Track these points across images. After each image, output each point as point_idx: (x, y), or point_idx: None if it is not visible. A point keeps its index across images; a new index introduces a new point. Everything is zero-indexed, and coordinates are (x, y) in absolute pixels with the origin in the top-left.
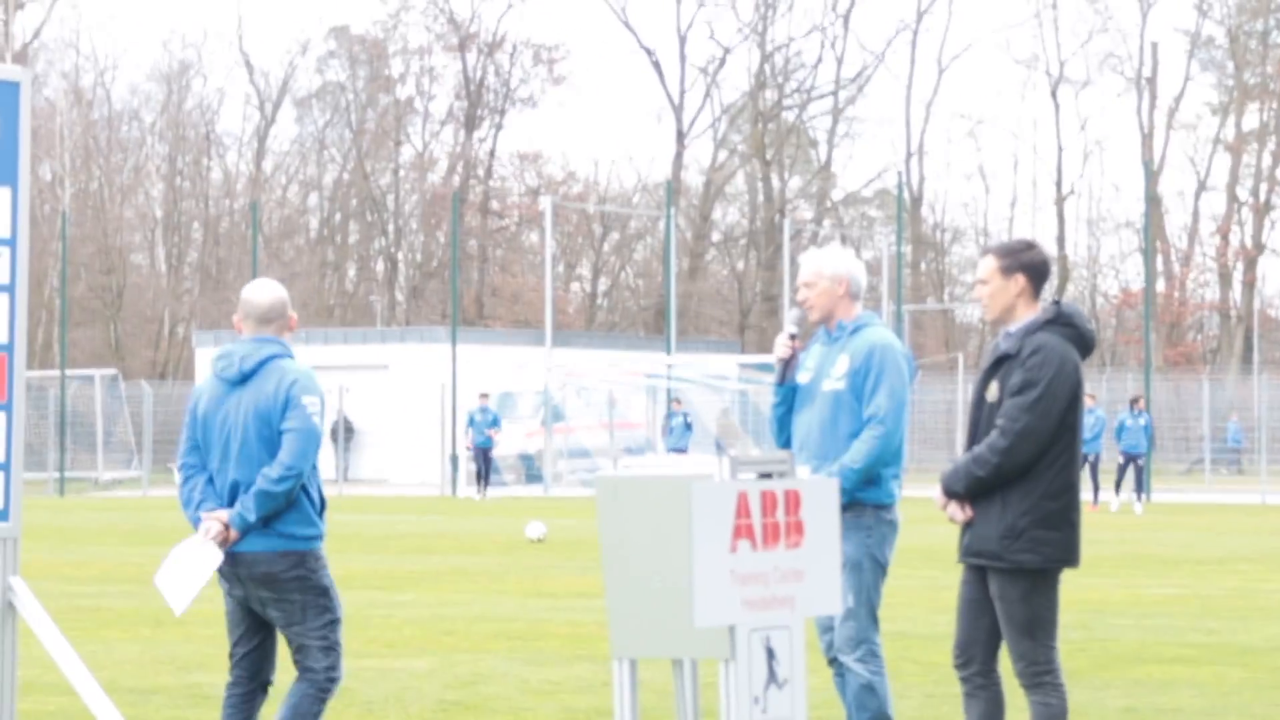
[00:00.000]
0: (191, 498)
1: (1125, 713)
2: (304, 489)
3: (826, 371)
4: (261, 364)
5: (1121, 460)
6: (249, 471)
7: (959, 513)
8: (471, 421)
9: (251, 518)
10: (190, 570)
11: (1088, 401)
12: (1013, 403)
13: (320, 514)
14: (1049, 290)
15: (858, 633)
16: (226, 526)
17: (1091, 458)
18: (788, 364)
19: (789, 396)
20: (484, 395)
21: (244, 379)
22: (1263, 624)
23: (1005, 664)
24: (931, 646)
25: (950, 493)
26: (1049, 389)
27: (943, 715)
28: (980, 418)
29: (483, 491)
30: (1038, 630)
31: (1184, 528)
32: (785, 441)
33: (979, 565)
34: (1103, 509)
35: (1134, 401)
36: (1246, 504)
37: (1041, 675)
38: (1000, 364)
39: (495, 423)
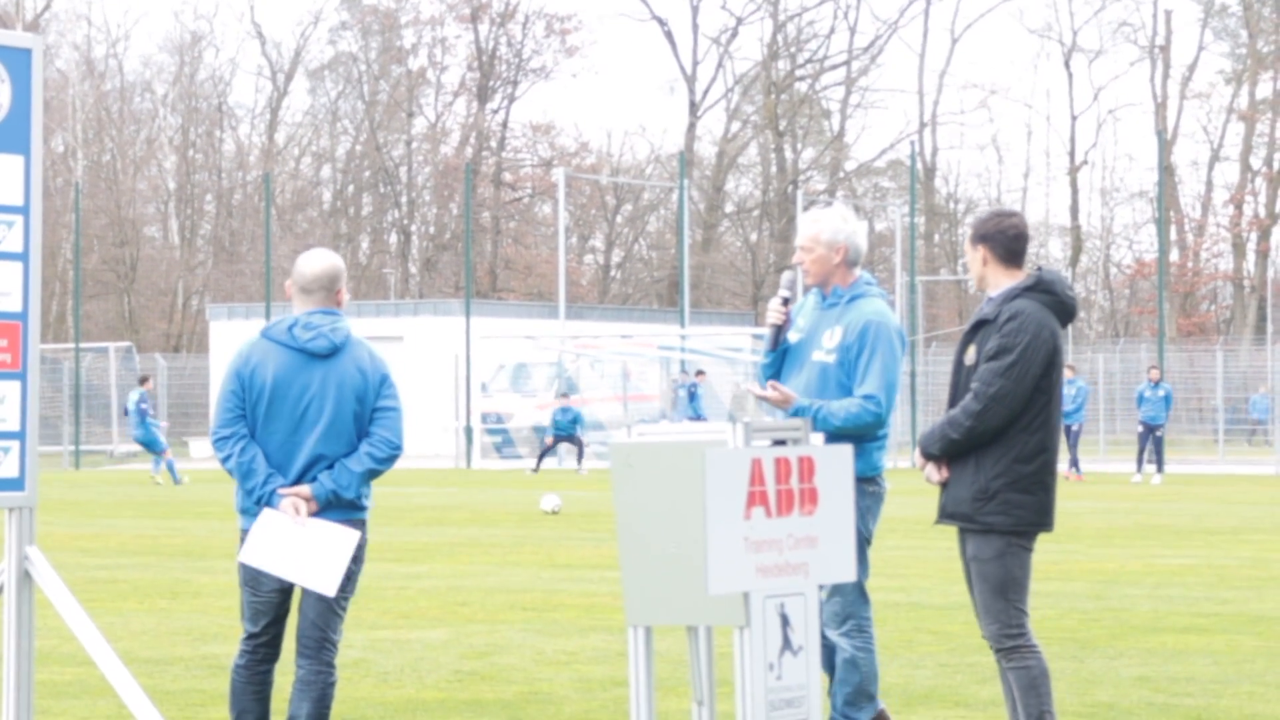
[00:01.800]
0: (253, 467)
1: (1139, 682)
2: None
3: (818, 340)
4: (349, 339)
5: (1141, 430)
6: (337, 446)
7: (935, 474)
8: (555, 423)
9: (350, 494)
10: (330, 552)
11: (1067, 373)
12: (987, 367)
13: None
14: (1060, 261)
15: (844, 608)
16: (309, 499)
17: (1075, 427)
18: (780, 329)
19: (779, 360)
20: (564, 395)
21: (334, 351)
22: (1276, 593)
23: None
24: (946, 617)
25: (927, 454)
26: (1023, 354)
27: (957, 685)
28: (959, 381)
29: (542, 464)
30: (1010, 591)
31: (1198, 498)
32: None
33: (954, 527)
34: (1114, 480)
35: (1151, 371)
36: (1261, 475)
37: (1015, 638)
38: (979, 328)
39: (577, 421)
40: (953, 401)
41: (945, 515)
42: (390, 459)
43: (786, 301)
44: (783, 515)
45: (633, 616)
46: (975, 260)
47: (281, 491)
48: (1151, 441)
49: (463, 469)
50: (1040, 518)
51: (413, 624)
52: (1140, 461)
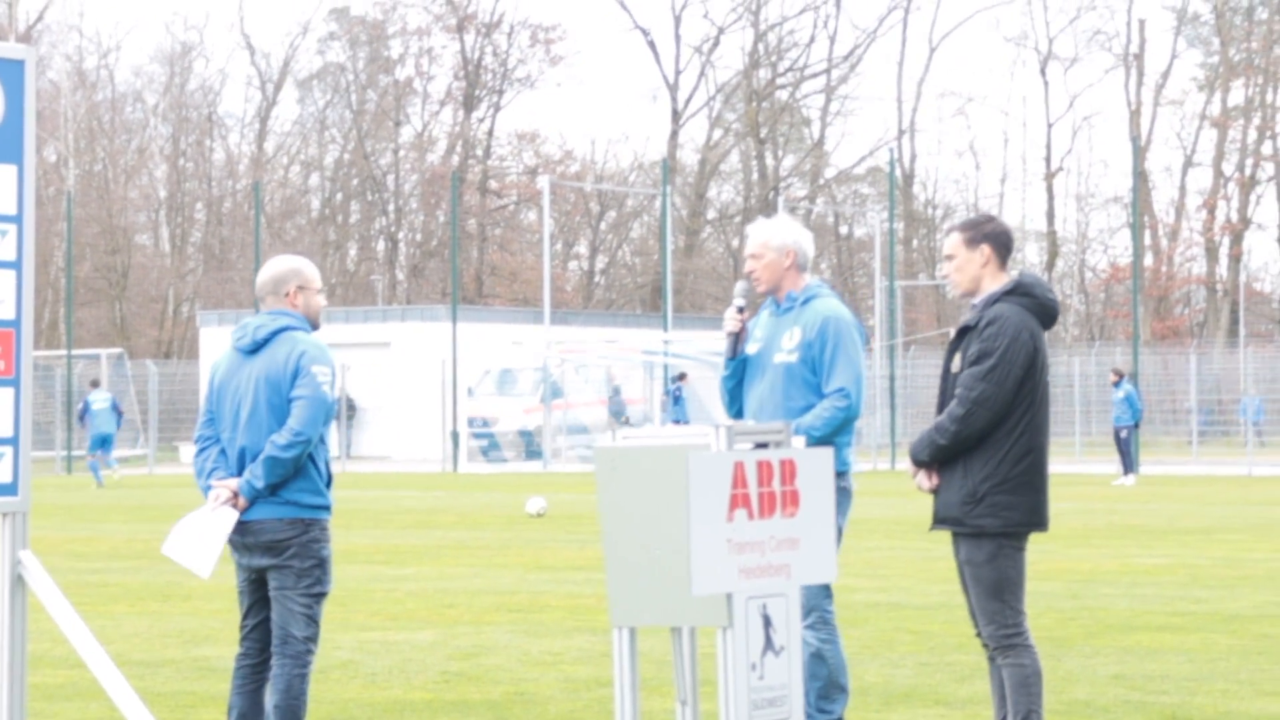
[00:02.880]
0: (204, 468)
1: (1115, 680)
2: (311, 459)
3: (777, 343)
4: (274, 334)
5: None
6: (258, 439)
7: (925, 481)
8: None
9: (260, 484)
10: (207, 534)
11: (1111, 376)
12: (969, 372)
13: (327, 486)
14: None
15: (808, 601)
16: (236, 494)
17: (1124, 433)
18: (738, 337)
19: (739, 369)
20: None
21: (256, 348)
22: (1250, 592)
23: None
24: (925, 616)
25: (917, 461)
26: (1004, 358)
27: (937, 684)
28: (946, 388)
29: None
30: (1005, 592)
31: (1173, 499)
32: (736, 414)
33: (947, 531)
34: (1103, 483)
35: (1110, 373)
36: (1234, 475)
37: (1011, 637)
38: (963, 335)
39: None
40: (941, 408)
41: (938, 520)
42: (291, 446)
43: (742, 310)
44: (765, 517)
45: (617, 618)
46: (974, 262)
47: (213, 483)
48: (1117, 443)
49: (450, 473)
50: (1031, 518)
51: (400, 625)
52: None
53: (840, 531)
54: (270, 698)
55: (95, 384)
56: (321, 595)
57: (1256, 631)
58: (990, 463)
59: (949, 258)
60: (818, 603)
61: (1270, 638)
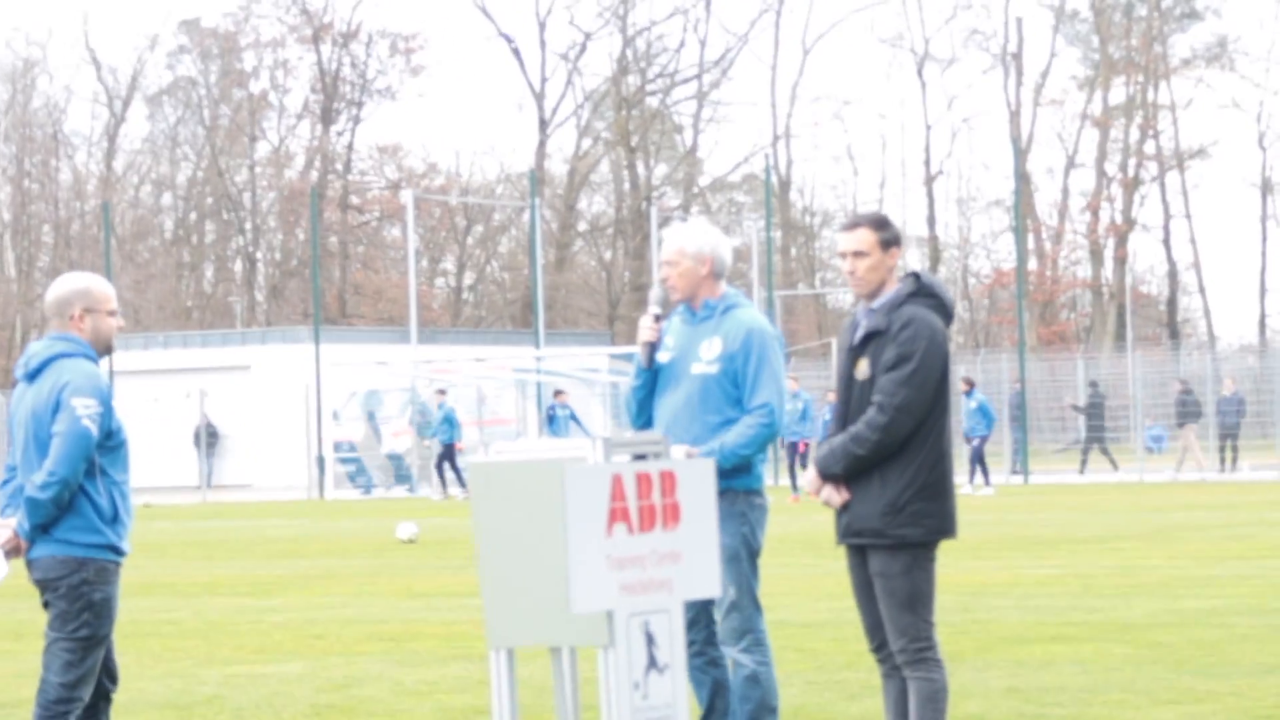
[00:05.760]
0: (3, 502)
1: (1008, 693)
2: (87, 495)
3: (695, 353)
4: (46, 363)
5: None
6: (30, 473)
7: (835, 496)
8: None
9: (26, 525)
10: None
11: (790, 385)
12: (889, 378)
13: (111, 523)
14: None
15: (742, 623)
16: (15, 534)
17: (800, 445)
18: (654, 346)
19: (651, 379)
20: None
21: (30, 378)
22: (1144, 600)
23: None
24: (812, 634)
25: (828, 475)
26: (923, 361)
27: (825, 702)
28: (851, 398)
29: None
30: (919, 604)
31: (1063, 507)
32: (644, 424)
33: (860, 545)
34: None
35: (960, 381)
36: (1124, 482)
37: (923, 651)
38: (869, 341)
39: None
40: (844, 420)
41: (850, 534)
42: (47, 486)
43: (659, 318)
44: (645, 531)
45: (494, 639)
46: (885, 264)
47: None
48: (971, 454)
49: (316, 500)
50: (945, 524)
51: (268, 658)
52: (971, 474)
53: (759, 549)
54: None
55: None
56: (89, 641)
57: (1151, 640)
58: (909, 470)
59: (859, 255)
60: (751, 625)
61: (1165, 646)
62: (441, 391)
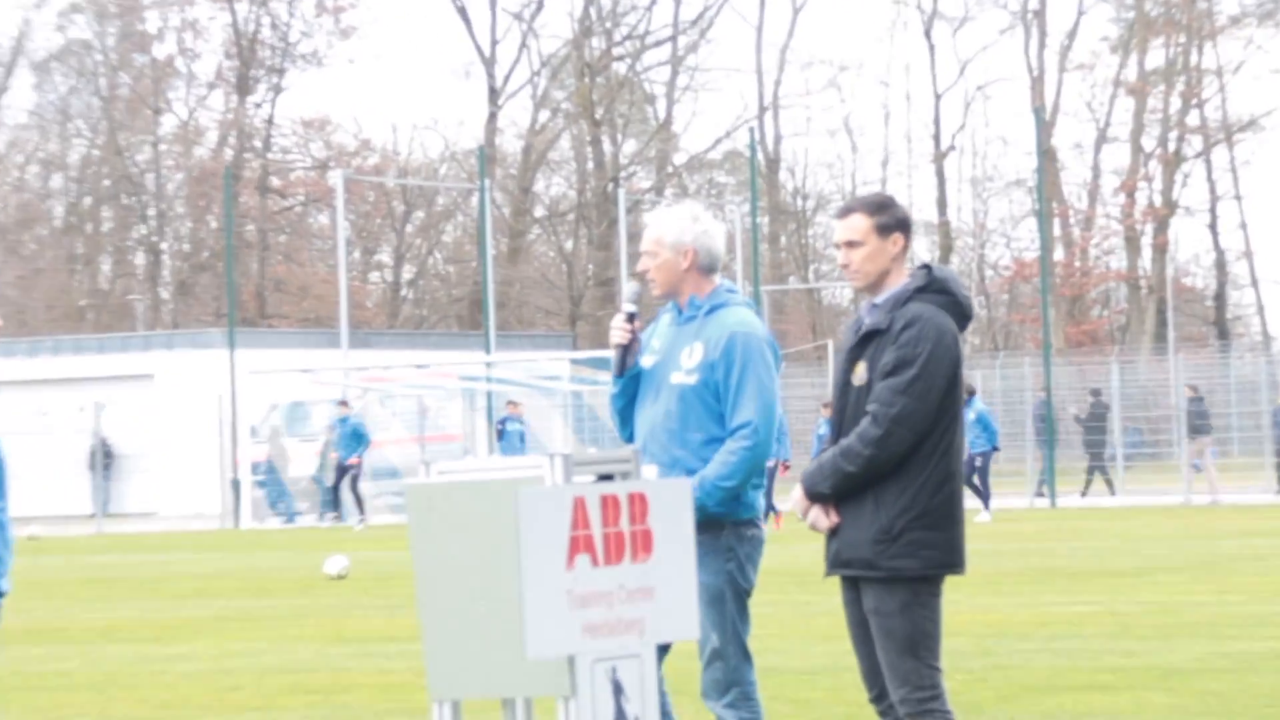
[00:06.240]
0: None
1: None
2: None
3: (675, 360)
4: None
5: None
6: None
7: (823, 519)
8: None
9: None
10: None
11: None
12: (886, 385)
13: None
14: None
15: (727, 675)
16: None
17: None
18: (627, 349)
19: (630, 386)
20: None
21: None
22: (1187, 642)
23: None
24: (807, 683)
25: (814, 495)
26: (926, 367)
27: None
28: (847, 406)
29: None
30: (920, 647)
31: (1097, 535)
32: (630, 438)
33: (851, 576)
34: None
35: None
36: (1164, 505)
37: (927, 701)
38: (868, 341)
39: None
40: (840, 430)
41: (839, 564)
42: None
43: (632, 318)
44: (612, 564)
45: (436, 690)
46: (885, 252)
47: None
48: (970, 473)
49: (230, 529)
50: (950, 557)
51: (174, 714)
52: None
53: (751, 588)
54: None
55: None
56: None
57: (1197, 687)
58: (907, 493)
59: (852, 244)
60: (739, 676)
61: (1214, 695)
62: (344, 403)
